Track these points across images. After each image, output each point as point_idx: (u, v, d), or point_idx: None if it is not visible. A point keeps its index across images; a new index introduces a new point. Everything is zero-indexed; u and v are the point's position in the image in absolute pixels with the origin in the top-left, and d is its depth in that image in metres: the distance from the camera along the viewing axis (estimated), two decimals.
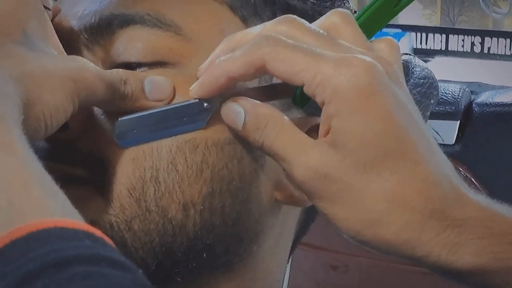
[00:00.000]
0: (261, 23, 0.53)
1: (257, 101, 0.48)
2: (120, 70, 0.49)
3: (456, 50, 2.39)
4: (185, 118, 0.49)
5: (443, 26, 2.44)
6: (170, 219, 0.49)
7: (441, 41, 2.42)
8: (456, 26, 2.45)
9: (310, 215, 0.60)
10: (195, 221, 0.50)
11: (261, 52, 0.45)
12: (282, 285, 0.59)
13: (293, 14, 0.54)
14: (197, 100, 0.49)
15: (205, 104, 0.49)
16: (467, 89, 1.59)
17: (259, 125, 0.47)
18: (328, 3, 0.57)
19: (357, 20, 0.50)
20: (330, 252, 1.67)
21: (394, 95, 0.45)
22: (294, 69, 0.45)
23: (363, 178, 0.44)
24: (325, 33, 0.47)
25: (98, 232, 0.36)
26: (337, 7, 0.58)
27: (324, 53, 0.45)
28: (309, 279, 1.67)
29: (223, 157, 0.50)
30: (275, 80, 0.52)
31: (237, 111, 0.48)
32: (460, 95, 1.54)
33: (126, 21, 0.51)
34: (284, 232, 0.57)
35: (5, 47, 0.42)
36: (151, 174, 0.49)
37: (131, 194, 0.49)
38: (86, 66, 0.46)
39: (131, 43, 0.51)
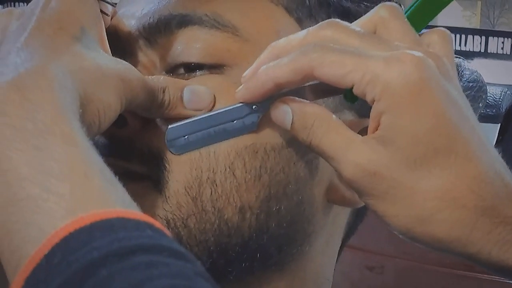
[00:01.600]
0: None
1: (305, 100, 0.48)
2: (161, 77, 0.50)
3: (495, 52, 2.37)
4: (235, 122, 0.49)
5: (483, 28, 2.41)
6: (226, 221, 0.50)
7: (480, 43, 2.41)
8: (496, 28, 2.43)
9: (359, 215, 0.60)
10: (250, 223, 0.50)
11: (308, 59, 0.45)
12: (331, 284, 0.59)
13: (347, 16, 0.55)
14: (246, 102, 0.49)
15: (254, 106, 0.49)
16: (508, 92, 1.58)
17: (306, 124, 0.47)
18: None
19: (405, 13, 0.49)
20: (366, 253, 1.67)
21: (445, 90, 0.45)
22: (343, 71, 0.45)
23: (413, 175, 0.44)
24: (370, 33, 0.47)
25: (157, 224, 0.37)
26: None
27: (372, 52, 0.45)
28: (345, 280, 1.67)
29: (281, 161, 0.51)
30: None
31: (285, 111, 0.48)
32: (501, 98, 1.53)
33: (184, 22, 0.52)
34: (334, 232, 0.57)
35: (64, 43, 0.44)
36: (208, 176, 0.49)
37: (188, 192, 0.49)
38: (132, 69, 0.47)
39: (190, 43, 0.51)
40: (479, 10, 3.22)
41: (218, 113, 0.50)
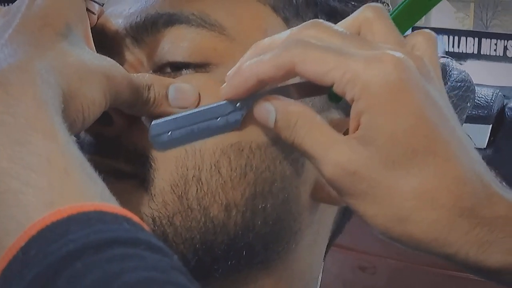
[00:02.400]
0: None
1: (288, 99, 0.48)
2: (146, 75, 0.50)
3: (488, 54, 2.38)
4: (219, 119, 0.49)
5: (476, 30, 2.42)
6: (212, 218, 0.50)
7: (473, 45, 2.41)
8: (489, 30, 2.44)
9: (346, 214, 0.60)
10: (236, 221, 0.50)
11: (291, 54, 0.46)
12: (318, 283, 0.59)
13: (334, 16, 0.55)
14: (225, 101, 0.49)
15: (237, 104, 0.49)
16: (500, 93, 1.58)
17: (290, 123, 0.47)
18: None
19: (391, 15, 0.50)
20: (358, 253, 1.67)
21: (425, 91, 0.45)
22: (324, 69, 0.45)
23: (391, 175, 0.44)
24: (353, 34, 0.47)
25: (135, 218, 0.37)
26: None
27: (353, 51, 0.45)
28: (337, 280, 1.67)
29: (266, 159, 0.51)
30: None
31: (268, 109, 0.48)
32: (493, 99, 1.54)
33: (171, 21, 0.52)
34: (321, 230, 0.57)
35: (49, 40, 0.44)
36: (194, 174, 0.49)
37: (173, 190, 0.49)
38: (117, 66, 0.47)
39: (177, 42, 0.51)
40: (472, 12, 3.23)
41: (202, 110, 0.50)
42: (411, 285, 1.71)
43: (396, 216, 0.45)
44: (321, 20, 0.48)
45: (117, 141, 0.51)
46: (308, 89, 0.50)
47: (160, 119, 0.49)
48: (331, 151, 0.45)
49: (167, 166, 0.50)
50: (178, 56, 0.51)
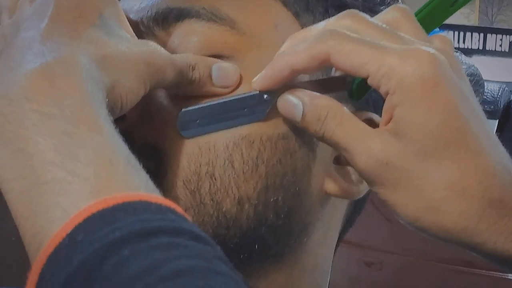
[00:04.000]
0: (313, 19, 0.54)
1: (315, 93, 0.49)
2: (190, 55, 0.50)
3: (494, 49, 2.38)
4: (245, 110, 0.50)
5: (481, 26, 2.42)
6: (224, 213, 0.50)
7: (478, 40, 2.41)
8: (495, 26, 2.43)
9: (356, 208, 0.60)
10: (248, 214, 0.51)
11: (326, 45, 0.46)
12: (328, 276, 0.59)
13: (344, 10, 0.55)
14: (258, 92, 0.50)
15: (265, 96, 0.50)
16: (506, 88, 1.59)
17: (320, 116, 0.48)
18: (378, 0, 0.58)
19: (416, 16, 0.51)
20: (365, 249, 1.68)
21: (457, 86, 0.46)
22: (360, 61, 0.46)
23: (424, 166, 0.45)
24: (388, 27, 0.48)
25: (179, 209, 0.38)
26: (388, 4, 0.58)
27: (388, 45, 0.46)
28: (343, 276, 1.67)
29: (277, 152, 0.51)
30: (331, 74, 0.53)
31: (295, 103, 0.49)
32: (499, 94, 1.54)
33: (182, 15, 0.52)
34: (332, 224, 0.57)
35: (86, 32, 0.44)
36: (207, 170, 0.50)
37: (186, 186, 0.50)
38: (158, 50, 0.47)
39: (187, 36, 0.52)
40: (478, 8, 3.22)
41: (231, 100, 0.50)
42: (417, 280, 1.72)
43: (427, 206, 0.46)
44: (357, 11, 0.49)
45: (128, 135, 0.51)
46: (327, 86, 0.51)
47: (190, 107, 0.50)
48: (364, 142, 0.46)
49: (180, 162, 0.50)
50: (188, 50, 0.51)
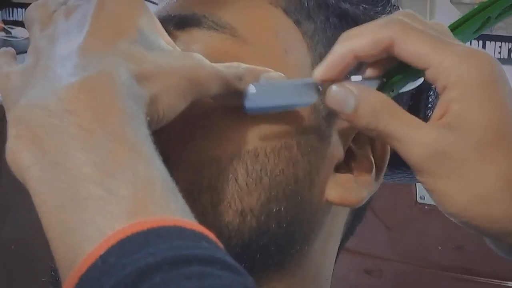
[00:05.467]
0: (314, 27, 0.54)
1: (364, 86, 0.49)
2: (235, 65, 0.49)
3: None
4: (302, 97, 0.50)
5: None
6: (227, 224, 0.50)
7: (477, 48, 2.42)
8: (493, 33, 2.43)
9: (357, 216, 0.60)
10: (251, 225, 0.50)
11: (391, 31, 0.47)
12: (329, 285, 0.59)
13: (346, 18, 0.55)
14: (316, 81, 0.49)
15: (319, 87, 0.50)
16: None
17: (374, 108, 0.48)
18: (379, 8, 0.58)
19: (455, 29, 0.53)
20: (365, 256, 1.68)
21: (509, 89, 0.48)
22: (423, 51, 0.47)
23: (479, 157, 0.47)
24: (442, 30, 0.50)
25: (212, 236, 0.38)
26: (388, 12, 0.58)
27: (451, 42, 0.48)
28: (343, 283, 1.67)
29: (280, 162, 0.51)
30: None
31: (347, 94, 0.49)
32: None
33: (183, 23, 0.52)
34: (333, 232, 0.57)
35: (125, 48, 0.43)
36: (209, 183, 0.49)
37: (186, 196, 0.49)
38: (201, 63, 0.46)
39: (188, 45, 0.51)
40: None
41: (296, 83, 0.50)
42: None
43: (478, 194, 0.47)
44: (411, 11, 0.50)
45: None
46: None
47: (260, 84, 0.49)
48: (419, 132, 0.47)
49: (181, 171, 0.49)
50: None
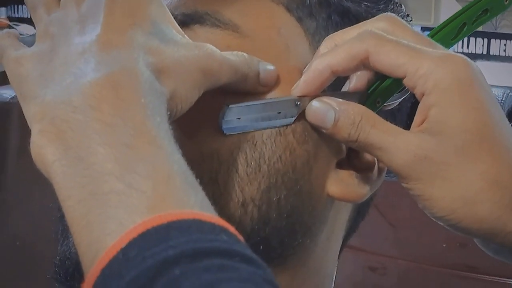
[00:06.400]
0: (316, 24, 0.55)
1: (341, 100, 0.50)
2: (243, 53, 0.50)
3: (498, 54, 2.38)
4: (280, 113, 0.51)
5: (485, 31, 2.42)
6: (228, 217, 0.50)
7: (482, 46, 2.41)
8: (498, 31, 2.43)
9: (360, 213, 0.60)
10: (252, 216, 0.51)
11: (366, 45, 0.48)
12: (333, 281, 0.60)
13: (348, 16, 0.56)
14: (295, 97, 0.50)
15: (297, 102, 0.51)
16: (510, 93, 1.58)
17: (354, 121, 0.49)
18: (381, 6, 0.58)
19: (434, 35, 0.54)
20: (368, 254, 1.68)
21: (487, 89, 0.49)
22: (398, 61, 0.48)
23: (461, 160, 0.48)
24: (420, 33, 0.51)
25: (232, 229, 0.38)
26: (390, 10, 0.59)
27: (425, 49, 0.48)
28: (347, 281, 1.67)
29: (276, 149, 0.51)
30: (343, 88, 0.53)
31: (327, 109, 0.50)
32: (503, 99, 1.54)
33: (185, 21, 0.53)
34: (336, 228, 0.58)
35: (143, 41, 0.44)
36: (210, 177, 0.50)
37: None
38: (213, 54, 0.47)
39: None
40: None
41: (271, 101, 0.51)
42: (420, 285, 1.71)
43: (464, 197, 0.48)
44: (393, 14, 0.51)
45: None
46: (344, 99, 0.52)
47: (236, 104, 0.50)
48: (400, 140, 0.48)
49: None
50: None
